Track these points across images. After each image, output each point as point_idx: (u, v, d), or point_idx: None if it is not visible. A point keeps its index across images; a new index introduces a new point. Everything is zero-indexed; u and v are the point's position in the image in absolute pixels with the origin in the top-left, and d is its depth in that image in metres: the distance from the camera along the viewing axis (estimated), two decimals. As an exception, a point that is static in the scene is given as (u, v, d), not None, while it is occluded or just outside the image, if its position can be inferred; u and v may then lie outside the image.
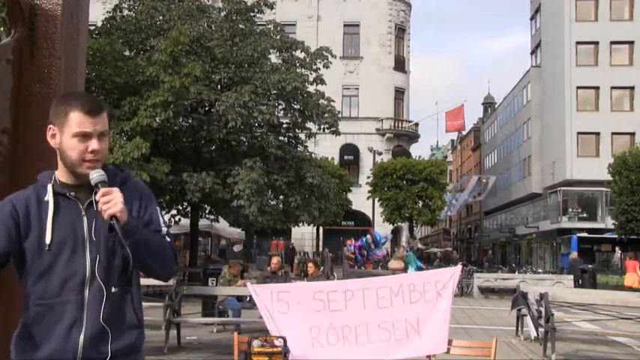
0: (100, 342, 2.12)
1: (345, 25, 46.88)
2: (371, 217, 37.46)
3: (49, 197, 2.18)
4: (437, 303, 5.66)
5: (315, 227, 36.41)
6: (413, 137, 47.95)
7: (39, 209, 2.17)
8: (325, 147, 40.22)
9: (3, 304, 3.28)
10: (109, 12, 20.75)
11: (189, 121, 19.55)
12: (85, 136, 2.15)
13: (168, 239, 2.25)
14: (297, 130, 23.00)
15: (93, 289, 2.13)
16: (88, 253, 2.15)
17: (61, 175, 2.23)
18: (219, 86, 20.95)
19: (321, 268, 25.50)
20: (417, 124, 48.52)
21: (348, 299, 5.60)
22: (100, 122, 2.17)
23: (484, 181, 51.45)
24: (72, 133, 2.15)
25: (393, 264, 20.49)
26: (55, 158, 2.26)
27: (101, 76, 16.58)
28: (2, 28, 14.13)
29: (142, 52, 19.39)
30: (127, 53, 18.61)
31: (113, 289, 2.16)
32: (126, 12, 20.81)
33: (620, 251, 34.25)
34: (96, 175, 2.13)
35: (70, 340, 2.10)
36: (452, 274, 5.84)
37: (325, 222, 31.28)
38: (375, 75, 45.97)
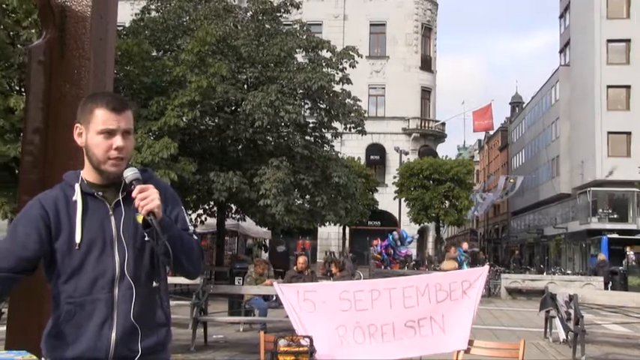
0: (131, 339, 2.14)
1: (371, 25, 46.73)
2: (397, 217, 37.31)
3: (78, 197, 2.20)
4: (463, 302, 5.62)
5: (342, 227, 36.36)
6: (439, 137, 47.65)
7: (67, 209, 2.19)
8: (351, 147, 40.17)
9: (35, 303, 3.32)
10: (137, 14, 20.97)
11: (216, 120, 19.66)
12: (109, 134, 2.17)
13: (195, 237, 2.27)
14: (323, 129, 23.02)
15: (122, 287, 2.16)
16: (116, 252, 2.17)
17: (87, 174, 2.25)
18: (245, 86, 21.05)
19: (353, 268, 25.49)
20: (443, 124, 48.22)
21: (375, 299, 5.58)
22: (124, 120, 2.18)
23: (511, 181, 50.93)
24: (97, 131, 2.18)
25: (447, 265, 19.86)
26: (84, 157, 2.28)
27: (129, 76, 16.75)
28: (34, 30, 14.37)
29: (169, 52, 19.55)
30: (154, 53, 18.79)
31: (142, 287, 2.18)
32: (153, 13, 21.02)
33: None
34: (130, 173, 2.16)
35: (101, 337, 2.12)
36: (479, 274, 5.79)
37: (351, 222, 31.25)
38: (402, 74, 45.77)
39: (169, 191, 2.34)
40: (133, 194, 2.11)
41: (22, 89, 14.84)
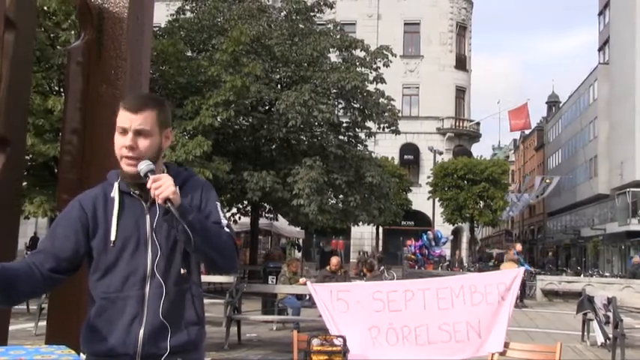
0: (160, 337, 2.16)
1: (405, 24, 46.49)
2: (431, 218, 37.08)
3: (115, 195, 2.25)
4: (499, 305, 5.55)
5: (375, 227, 36.27)
6: (474, 137, 47.20)
7: (105, 207, 2.24)
8: (385, 146, 40.01)
9: (73, 299, 3.38)
10: (172, 14, 21.21)
11: (250, 120, 19.77)
12: (123, 132, 2.21)
13: (228, 230, 2.26)
14: (356, 129, 22.99)
15: (153, 285, 2.18)
16: (149, 250, 2.20)
17: (125, 173, 2.29)
18: (278, 85, 21.13)
19: (382, 268, 25.42)
20: (478, 124, 47.75)
21: (408, 299, 5.55)
22: (138, 119, 2.20)
23: (547, 181, 50.20)
24: (116, 128, 2.24)
25: (506, 266, 19.27)
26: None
27: (164, 76, 16.94)
28: (73, 32, 14.60)
29: (203, 52, 19.72)
30: (189, 53, 18.96)
31: (173, 286, 2.20)
32: (188, 14, 21.23)
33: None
34: (144, 165, 2.18)
35: (130, 333, 2.15)
36: (515, 276, 5.71)
37: (385, 222, 31.16)
38: (436, 74, 45.44)
39: (206, 187, 2.36)
40: (148, 185, 2.13)
41: (62, 90, 15.12)
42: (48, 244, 2.22)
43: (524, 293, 19.19)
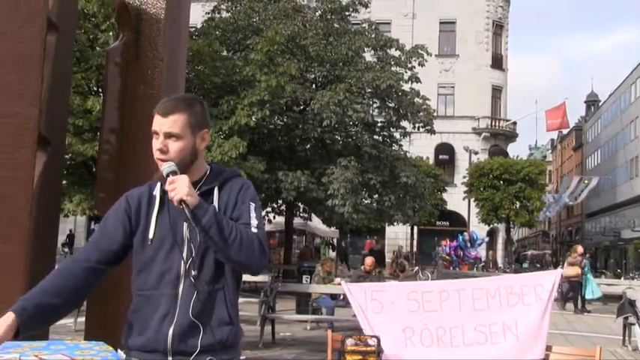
0: (189, 336, 2.20)
1: (440, 23, 46.13)
2: (466, 218, 36.75)
3: (157, 194, 2.33)
4: (536, 307, 5.46)
5: (410, 227, 36.09)
6: (510, 136, 46.63)
7: (148, 205, 2.32)
8: (420, 146, 39.76)
9: (111, 296, 3.43)
10: (208, 13, 21.38)
11: (285, 119, 19.83)
12: (156, 135, 2.29)
13: (256, 231, 2.27)
14: (391, 128, 22.90)
15: (186, 285, 2.22)
16: (185, 250, 2.24)
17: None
18: (313, 85, 21.15)
19: (416, 268, 25.29)
20: (514, 123, 47.15)
21: (444, 300, 5.50)
22: (167, 123, 2.27)
23: (585, 182, 49.33)
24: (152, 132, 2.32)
25: (569, 271, 18.61)
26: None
27: (200, 76, 17.07)
28: (111, 33, 14.82)
29: (238, 52, 19.83)
30: (224, 53, 19.09)
31: (205, 286, 2.24)
32: (224, 13, 21.38)
33: None
34: (166, 166, 2.24)
35: (161, 331, 2.20)
36: (553, 277, 5.62)
37: (420, 222, 30.99)
38: (472, 73, 45.00)
39: (244, 188, 2.39)
40: (165, 186, 2.20)
41: (100, 90, 15.36)
42: (98, 236, 2.32)
43: (583, 299, 18.37)
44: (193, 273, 2.23)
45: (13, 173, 2.97)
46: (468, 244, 28.96)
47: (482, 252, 32.65)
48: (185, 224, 2.26)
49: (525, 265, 40.83)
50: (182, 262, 2.24)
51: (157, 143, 2.27)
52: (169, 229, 2.26)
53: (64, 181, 14.74)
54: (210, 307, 2.25)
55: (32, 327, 2.08)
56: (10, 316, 2.02)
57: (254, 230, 2.27)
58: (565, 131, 70.84)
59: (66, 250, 31.74)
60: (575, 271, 17.95)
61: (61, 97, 3.69)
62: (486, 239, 34.15)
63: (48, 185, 3.37)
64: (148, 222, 2.29)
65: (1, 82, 2.99)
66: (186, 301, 2.21)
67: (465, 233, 29.81)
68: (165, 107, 2.30)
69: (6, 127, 2.97)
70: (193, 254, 2.24)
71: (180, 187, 2.15)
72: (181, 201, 2.14)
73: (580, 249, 19.78)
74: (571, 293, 18.45)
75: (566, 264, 19.49)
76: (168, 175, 2.21)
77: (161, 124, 2.27)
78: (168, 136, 2.27)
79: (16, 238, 2.89)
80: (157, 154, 2.28)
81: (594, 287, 18.58)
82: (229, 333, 2.27)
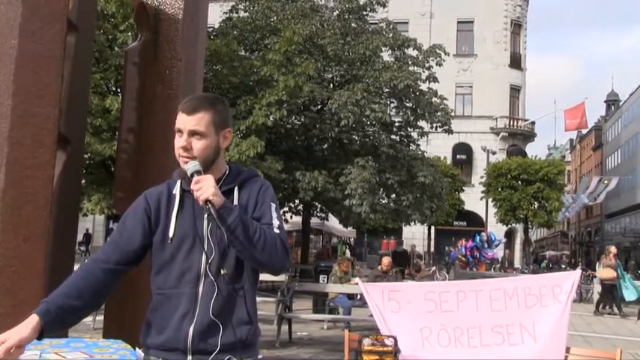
0: (209, 335, 2.21)
1: (458, 22, 45.90)
2: (484, 218, 36.54)
3: (177, 193, 2.33)
4: (554, 308, 5.41)
5: (427, 227, 35.97)
6: (529, 136, 46.30)
7: (168, 204, 2.32)
8: (437, 146, 39.61)
9: (130, 295, 3.45)
10: (226, 12, 21.45)
11: (302, 119, 19.84)
12: (179, 133, 2.29)
13: (278, 231, 2.28)
14: (409, 128, 22.83)
15: (206, 283, 2.23)
16: (205, 249, 2.25)
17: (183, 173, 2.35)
18: (331, 85, 21.14)
19: (433, 268, 25.19)
20: (533, 123, 46.80)
21: (461, 300, 5.47)
22: (191, 121, 2.27)
23: (605, 182, 48.85)
24: (175, 130, 2.32)
25: (604, 273, 17.86)
26: (173, 157, 2.37)
27: (218, 76, 17.14)
28: (130, 33, 14.92)
29: (256, 52, 19.88)
30: (241, 53, 19.15)
31: (225, 286, 2.25)
32: (242, 13, 21.43)
33: None
34: (190, 165, 2.24)
35: (181, 329, 2.21)
36: (571, 278, 5.57)
37: (437, 222, 30.86)
38: (490, 72, 44.73)
39: (264, 188, 2.39)
40: (191, 186, 2.20)
41: (119, 90, 15.47)
42: (117, 236, 2.32)
43: (617, 301, 17.79)
44: (223, 272, 2.24)
45: (33, 173, 3.00)
46: (485, 245, 28.78)
47: (499, 252, 32.41)
48: (205, 223, 2.27)
49: (543, 264, 40.47)
50: (202, 261, 2.25)
51: (180, 141, 2.28)
52: (190, 228, 2.27)
53: (83, 181, 14.88)
54: (230, 306, 2.26)
55: (55, 329, 2.11)
56: (34, 319, 2.06)
57: (276, 230, 2.27)
58: (584, 131, 70.20)
59: (82, 248, 31.96)
60: (610, 273, 17.52)
61: (81, 97, 3.72)
62: (504, 240, 33.90)
63: (67, 184, 3.40)
64: (167, 221, 2.30)
65: (22, 83, 3.02)
66: (206, 300, 2.22)
67: (483, 233, 29.63)
68: (190, 105, 2.31)
69: (26, 127, 3.00)
70: (214, 254, 2.25)
71: (206, 187, 2.16)
72: (207, 201, 2.15)
73: (614, 249, 19.14)
74: (608, 296, 17.82)
75: (600, 266, 18.96)
76: (192, 175, 2.22)
77: (185, 121, 2.27)
78: (193, 134, 2.27)
79: (37, 237, 2.92)
80: (179, 152, 2.28)
81: (634, 288, 18.00)
82: (248, 332, 2.28)
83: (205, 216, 2.25)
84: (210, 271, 2.24)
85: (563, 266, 41.46)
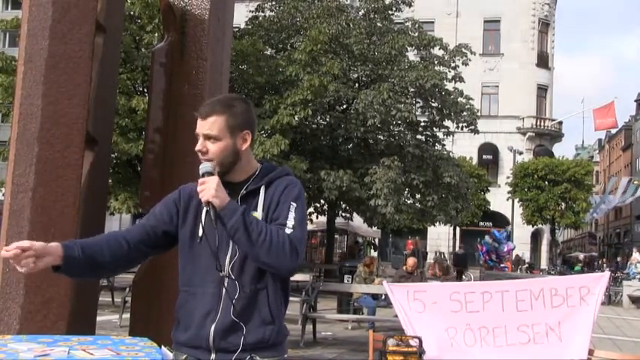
0: (231, 334, 2.24)
1: (485, 22, 45.55)
2: (510, 219, 36.21)
3: None
4: (580, 309, 5.36)
5: (452, 227, 35.75)
6: (556, 136, 45.78)
7: (198, 203, 2.34)
8: (463, 146, 39.35)
9: (155, 293, 3.49)
10: (252, 11, 21.52)
11: (327, 119, 19.84)
12: (197, 136, 2.36)
13: (290, 231, 2.27)
14: (434, 128, 22.72)
15: (229, 283, 2.26)
16: (229, 250, 2.28)
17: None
18: (356, 84, 21.11)
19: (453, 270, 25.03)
20: (560, 123, 46.27)
21: (486, 301, 5.44)
22: (205, 125, 2.33)
23: (635, 182, 48.11)
24: None
25: None
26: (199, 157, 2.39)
27: (243, 76, 17.21)
28: (156, 34, 15.05)
29: (282, 51, 19.92)
30: (267, 52, 19.21)
31: (247, 286, 2.27)
32: (268, 12, 21.50)
33: None
34: (202, 166, 2.30)
35: (204, 327, 2.25)
36: (599, 280, 5.50)
37: (462, 222, 30.64)
38: (517, 72, 44.31)
39: (288, 189, 2.40)
40: (197, 187, 2.26)
41: (145, 90, 15.62)
42: (144, 219, 2.41)
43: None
44: (231, 273, 2.27)
45: (62, 172, 3.04)
46: (496, 245, 28.49)
47: (511, 244, 31.71)
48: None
49: (577, 267, 39.82)
50: (226, 262, 2.28)
51: (198, 144, 2.34)
52: (215, 228, 2.28)
53: (110, 180, 15.05)
54: (252, 306, 2.28)
55: (72, 268, 2.17)
56: (58, 246, 2.13)
57: (288, 231, 2.26)
58: (613, 131, 69.20)
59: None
60: None
61: (109, 98, 3.76)
62: (508, 228, 33.22)
63: (95, 183, 3.45)
64: (196, 219, 2.34)
65: (52, 84, 3.06)
66: (228, 299, 2.25)
67: (487, 237, 29.37)
68: (204, 110, 2.36)
69: (56, 127, 3.05)
70: (237, 255, 2.28)
71: (208, 188, 2.21)
72: (208, 202, 2.20)
73: None
74: None
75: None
76: (203, 176, 2.27)
77: (200, 126, 2.34)
78: (207, 137, 2.32)
79: (65, 235, 2.96)
80: (199, 155, 2.34)
81: None
82: (271, 332, 2.29)
83: (204, 216, 2.30)
84: (234, 272, 2.27)
85: (597, 270, 40.87)
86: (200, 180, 2.25)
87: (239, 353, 2.23)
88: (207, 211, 2.27)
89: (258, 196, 2.35)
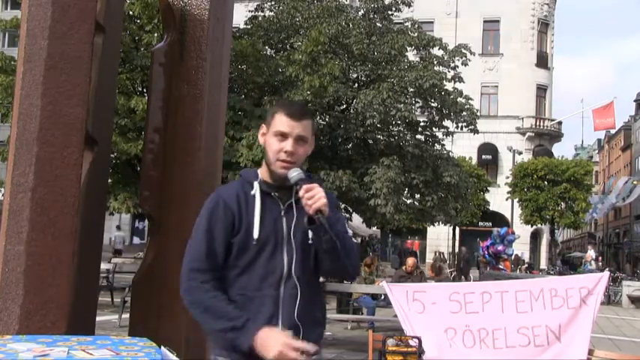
0: (295, 337, 2.24)
1: (484, 22, 45.58)
2: (509, 219, 36.23)
3: (257, 194, 2.33)
4: (580, 310, 5.37)
5: (452, 227, 35.75)
6: (555, 136, 45.81)
7: (247, 205, 2.32)
8: (463, 146, 39.37)
9: (154, 292, 3.48)
10: (251, 11, 21.52)
11: (327, 119, 19.84)
12: (282, 136, 2.30)
13: (350, 237, 2.36)
14: (434, 128, 22.72)
15: (288, 286, 2.27)
16: (285, 252, 2.29)
17: (264, 174, 2.38)
18: (356, 84, 21.11)
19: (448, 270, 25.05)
20: (560, 123, 46.28)
21: (486, 302, 5.44)
22: (299, 127, 2.31)
23: (634, 183, 48.12)
24: (273, 132, 2.33)
25: None
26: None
27: (242, 76, 17.20)
28: (155, 34, 15.04)
29: (281, 52, 19.91)
30: (266, 52, 19.19)
31: (305, 288, 2.29)
32: (267, 12, 21.49)
33: None
34: (295, 173, 2.29)
35: None
36: (598, 280, 5.51)
37: (462, 222, 30.64)
38: (516, 72, 44.33)
39: (331, 198, 2.43)
40: (300, 193, 2.23)
41: (144, 90, 15.62)
42: (204, 246, 2.28)
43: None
44: (299, 274, 2.29)
45: (61, 172, 3.04)
46: (497, 240, 28.47)
47: (512, 248, 31.66)
48: (285, 226, 2.30)
49: (580, 269, 39.80)
50: (285, 264, 2.28)
51: (285, 144, 2.30)
52: (271, 230, 2.29)
53: (110, 180, 15.05)
54: (308, 308, 2.30)
55: None
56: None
57: (352, 240, 2.36)
58: (613, 131, 69.26)
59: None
60: None
61: (108, 98, 3.76)
62: (518, 237, 33.24)
63: (95, 184, 3.44)
64: (249, 223, 2.29)
65: (51, 83, 3.06)
66: (289, 302, 2.26)
67: (495, 229, 29.43)
68: (298, 110, 2.35)
69: (55, 127, 3.05)
70: (295, 256, 2.29)
71: (319, 197, 2.20)
72: (318, 210, 2.18)
73: None
74: None
75: None
76: (297, 183, 2.26)
77: (293, 126, 2.30)
78: (299, 139, 2.31)
79: (65, 235, 2.96)
80: (282, 156, 2.30)
81: None
82: (321, 333, 2.36)
83: (284, 219, 2.29)
84: (294, 274, 2.28)
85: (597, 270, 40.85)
86: (305, 187, 2.22)
87: None
88: (261, 213, 2.27)
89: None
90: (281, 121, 2.31)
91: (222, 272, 2.29)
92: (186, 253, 2.32)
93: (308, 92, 16.20)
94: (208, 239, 2.28)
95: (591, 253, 26.18)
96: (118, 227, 32.40)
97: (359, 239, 34.05)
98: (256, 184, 2.34)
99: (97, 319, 3.78)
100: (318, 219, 2.17)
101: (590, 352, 5.23)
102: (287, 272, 2.27)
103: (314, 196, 2.19)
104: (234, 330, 2.15)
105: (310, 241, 2.29)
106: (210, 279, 2.24)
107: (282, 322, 2.23)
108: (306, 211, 2.20)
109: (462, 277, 26.24)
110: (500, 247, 28.20)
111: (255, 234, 2.26)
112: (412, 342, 4.98)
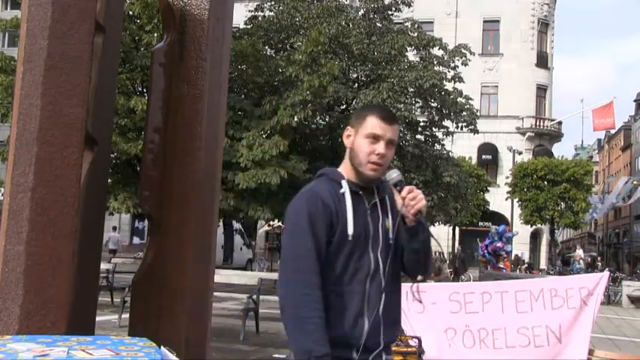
0: (377, 333, 2.31)
1: (484, 22, 45.59)
2: (509, 219, 36.23)
3: (347, 192, 2.39)
4: (581, 310, 5.36)
5: (451, 227, 35.75)
6: (555, 136, 45.82)
7: (339, 203, 2.37)
8: (462, 146, 39.37)
9: (154, 291, 3.48)
10: (251, 11, 21.51)
11: (327, 119, 19.84)
12: (374, 139, 2.36)
13: None
14: (434, 128, 22.73)
15: (374, 283, 2.33)
16: (372, 249, 2.35)
17: (349, 174, 2.46)
18: (356, 84, 21.11)
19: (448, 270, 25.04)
20: (560, 123, 46.29)
21: (486, 302, 5.44)
22: (390, 130, 2.38)
23: (634, 182, 48.12)
24: (364, 134, 2.39)
25: None
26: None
27: (242, 76, 17.20)
28: (155, 34, 15.04)
29: (281, 52, 19.91)
30: (266, 52, 19.19)
31: (389, 286, 2.36)
32: (267, 12, 21.49)
33: None
34: (395, 174, 2.38)
35: (357, 326, 2.29)
36: (598, 281, 5.51)
37: (462, 222, 30.64)
38: (516, 72, 44.33)
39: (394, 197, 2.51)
40: (403, 194, 2.31)
41: (144, 90, 15.62)
42: (316, 256, 2.29)
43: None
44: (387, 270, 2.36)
45: (61, 172, 3.04)
46: (496, 237, 28.49)
47: (510, 246, 31.69)
48: (371, 224, 2.36)
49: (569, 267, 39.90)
50: (372, 261, 2.33)
51: (377, 146, 2.36)
52: (362, 228, 2.35)
53: (109, 180, 15.06)
54: (390, 305, 2.37)
55: None
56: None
57: None
58: (613, 131, 69.30)
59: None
60: None
61: (108, 98, 3.76)
62: (516, 233, 33.26)
63: (95, 184, 3.44)
64: (344, 220, 2.33)
65: (51, 83, 3.06)
66: (375, 298, 2.31)
67: (493, 227, 29.47)
68: (390, 115, 2.42)
69: (55, 127, 3.05)
70: (381, 253, 2.35)
71: (420, 198, 2.29)
72: (419, 211, 2.28)
73: None
74: None
75: None
76: (396, 184, 2.35)
77: (386, 130, 2.37)
78: (390, 142, 2.38)
79: (65, 235, 2.96)
80: (372, 158, 2.36)
81: None
82: (398, 331, 2.44)
83: (370, 218, 2.36)
84: (381, 271, 2.34)
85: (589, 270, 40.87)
86: (409, 188, 2.31)
87: (377, 352, 2.31)
88: (353, 211, 2.33)
89: (385, 203, 2.43)
90: (373, 124, 2.37)
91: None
92: (285, 249, 2.33)
93: (308, 92, 16.19)
94: (312, 238, 2.29)
95: (580, 252, 26.28)
96: (114, 228, 32.50)
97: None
98: (344, 183, 2.41)
99: (97, 319, 3.78)
100: (418, 219, 2.28)
101: (590, 352, 5.23)
102: (374, 269, 2.32)
103: (416, 197, 2.28)
104: (311, 355, 2.15)
105: (391, 241, 2.37)
106: (314, 284, 2.25)
107: (368, 318, 2.29)
108: (406, 211, 2.30)
109: (456, 277, 26.23)
110: (499, 244, 28.22)
111: (350, 230, 2.31)
112: (412, 342, 4.98)
